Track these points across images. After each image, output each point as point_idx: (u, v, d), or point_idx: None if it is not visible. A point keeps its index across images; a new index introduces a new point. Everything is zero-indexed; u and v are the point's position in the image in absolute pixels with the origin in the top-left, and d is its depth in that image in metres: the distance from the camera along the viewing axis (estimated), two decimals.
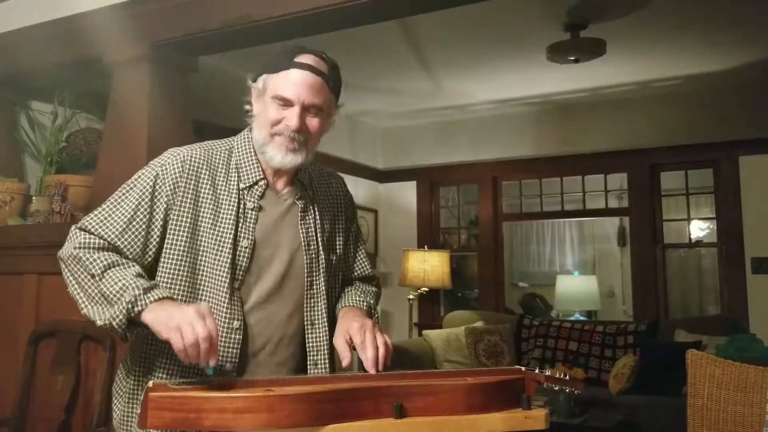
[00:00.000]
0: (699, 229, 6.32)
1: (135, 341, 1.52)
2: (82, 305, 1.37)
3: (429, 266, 5.42)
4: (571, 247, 8.02)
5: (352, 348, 1.43)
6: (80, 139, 3.29)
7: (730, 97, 5.04)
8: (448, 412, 1.17)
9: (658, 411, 3.98)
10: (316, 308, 1.53)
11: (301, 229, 1.53)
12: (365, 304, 1.61)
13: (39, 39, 3.13)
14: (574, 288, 6.93)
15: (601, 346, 4.93)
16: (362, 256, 1.74)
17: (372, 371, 1.36)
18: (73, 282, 1.40)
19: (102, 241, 1.41)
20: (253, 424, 1.08)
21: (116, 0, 2.87)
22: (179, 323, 1.23)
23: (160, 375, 1.45)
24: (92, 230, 1.42)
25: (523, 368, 1.33)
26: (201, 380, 1.25)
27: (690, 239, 6.05)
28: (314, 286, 1.53)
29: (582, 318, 6.81)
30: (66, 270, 1.42)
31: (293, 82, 1.44)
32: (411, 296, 5.51)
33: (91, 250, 1.39)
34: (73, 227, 1.46)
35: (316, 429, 1.10)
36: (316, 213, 1.57)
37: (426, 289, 5.49)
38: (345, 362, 1.40)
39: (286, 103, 1.45)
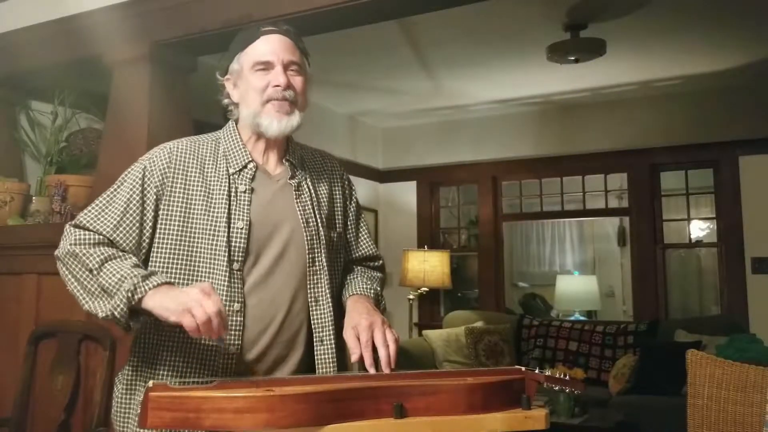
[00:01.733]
0: (699, 229, 6.32)
1: (134, 338, 1.52)
2: (83, 301, 1.39)
3: (429, 266, 5.42)
4: (571, 247, 8.02)
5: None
6: (80, 139, 3.29)
7: (730, 97, 5.04)
8: (449, 412, 1.17)
9: (658, 411, 3.98)
10: (319, 285, 1.54)
11: (298, 207, 1.54)
12: (372, 291, 1.62)
13: (39, 39, 3.13)
14: (574, 288, 6.93)
15: (601, 346, 4.93)
16: (365, 234, 1.74)
17: (385, 371, 1.37)
18: (72, 279, 1.41)
19: (98, 236, 1.43)
20: (253, 424, 1.08)
21: (116, 0, 2.87)
22: (188, 305, 1.25)
23: (163, 371, 1.45)
24: (87, 226, 1.44)
25: (523, 368, 1.33)
26: (201, 380, 1.26)
27: (690, 239, 6.05)
28: (316, 263, 1.54)
29: (582, 318, 6.81)
30: (63, 268, 1.43)
31: (268, 46, 1.51)
32: (411, 296, 5.51)
33: (88, 246, 1.41)
34: (67, 225, 1.47)
35: (316, 429, 1.10)
36: (312, 190, 1.58)
37: (426, 289, 5.50)
38: (354, 357, 1.40)
39: (267, 66, 1.50)
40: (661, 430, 3.72)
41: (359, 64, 4.52)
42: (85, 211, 1.48)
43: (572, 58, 4.00)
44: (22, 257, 2.96)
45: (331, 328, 1.53)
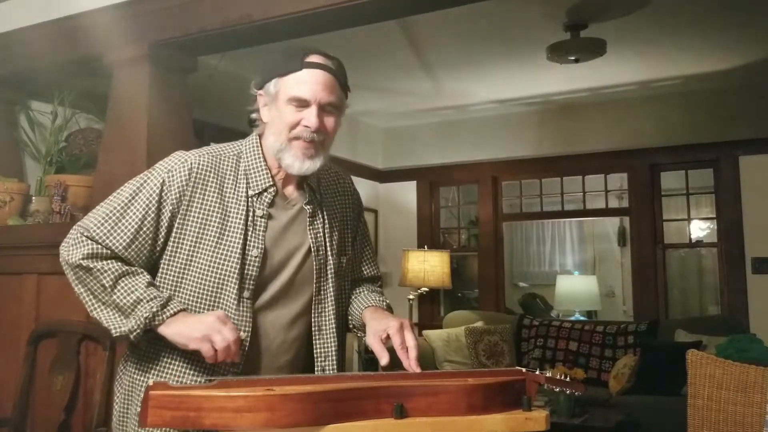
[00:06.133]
0: (699, 229, 6.32)
1: (130, 347, 1.52)
2: (93, 309, 1.40)
3: (429, 266, 5.42)
4: (571, 247, 8.02)
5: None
6: (80, 139, 3.28)
7: (730, 97, 5.04)
8: (449, 413, 1.17)
9: (658, 411, 3.98)
10: (324, 313, 1.52)
11: (310, 234, 1.52)
12: (385, 304, 1.62)
13: (39, 39, 3.12)
14: (574, 288, 6.93)
15: (601, 346, 4.93)
16: (369, 255, 1.73)
17: (418, 370, 1.37)
18: (83, 289, 1.42)
19: (109, 251, 1.42)
20: (253, 423, 1.08)
21: (116, 0, 2.86)
22: (206, 333, 1.27)
23: (157, 374, 1.45)
24: (99, 240, 1.42)
25: (523, 369, 1.33)
26: (202, 379, 1.26)
27: (690, 239, 6.05)
28: (322, 292, 1.52)
29: (582, 318, 6.81)
30: (74, 277, 1.43)
31: (308, 82, 1.42)
32: (411, 296, 5.51)
33: (99, 260, 1.40)
34: (78, 230, 1.44)
35: (316, 429, 1.10)
36: (325, 217, 1.56)
37: (426, 289, 5.49)
38: (383, 362, 1.40)
39: (303, 104, 1.43)
40: (661, 430, 3.72)
41: (359, 64, 4.51)
42: (98, 222, 1.43)
43: (572, 58, 4.00)
44: (22, 257, 2.96)
45: (334, 357, 1.52)
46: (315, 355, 1.51)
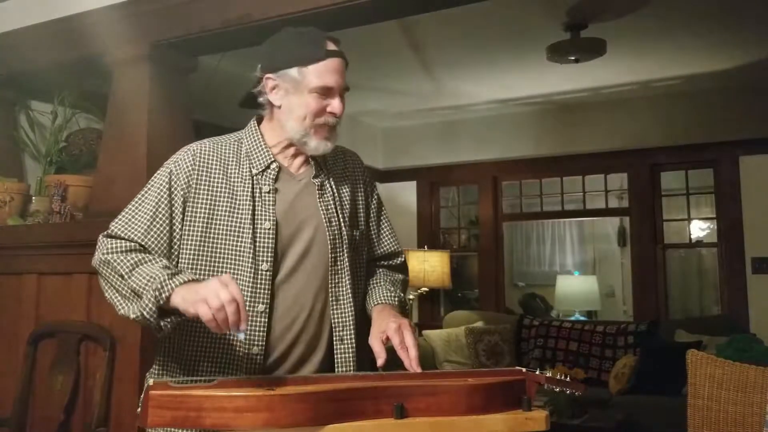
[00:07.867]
0: (699, 229, 6.32)
1: (157, 348, 1.53)
2: (118, 306, 1.41)
3: (429, 266, 5.42)
4: (571, 247, 8.02)
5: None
6: (80, 139, 3.28)
7: (730, 97, 5.04)
8: (449, 413, 1.17)
9: (658, 411, 3.97)
10: (340, 284, 1.54)
11: (321, 206, 1.55)
12: (397, 299, 1.63)
13: (39, 39, 3.13)
14: (575, 288, 6.93)
15: (601, 346, 4.93)
16: (387, 230, 1.75)
17: (418, 370, 1.37)
18: (107, 286, 1.44)
19: (129, 243, 1.45)
20: (253, 423, 1.08)
21: (116, 0, 2.87)
22: (204, 295, 1.25)
23: (189, 374, 1.46)
24: (119, 234, 1.47)
25: (523, 369, 1.33)
26: (202, 379, 1.26)
27: (690, 239, 6.05)
28: (338, 262, 1.54)
29: (582, 318, 6.81)
30: (102, 280, 1.46)
31: (332, 71, 1.48)
32: (411, 296, 5.51)
33: (120, 253, 1.44)
34: (100, 236, 1.50)
35: (316, 429, 1.10)
36: (334, 189, 1.59)
37: (426, 289, 5.49)
38: (380, 362, 1.41)
39: (328, 92, 1.48)
40: (661, 430, 3.71)
41: (359, 64, 4.47)
42: (116, 220, 1.51)
43: (572, 58, 4.00)
44: (22, 257, 2.95)
45: (351, 327, 1.54)
46: (333, 325, 1.53)
